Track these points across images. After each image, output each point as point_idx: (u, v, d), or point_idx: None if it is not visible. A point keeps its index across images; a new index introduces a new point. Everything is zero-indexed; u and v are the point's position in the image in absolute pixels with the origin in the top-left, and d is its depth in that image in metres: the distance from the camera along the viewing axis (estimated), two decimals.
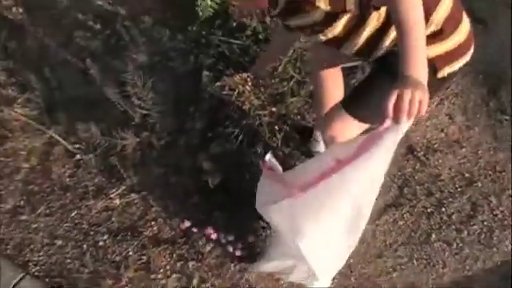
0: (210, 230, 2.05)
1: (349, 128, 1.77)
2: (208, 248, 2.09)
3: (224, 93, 2.30)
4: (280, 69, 2.41)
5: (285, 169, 1.85)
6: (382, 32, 1.59)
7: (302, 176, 1.73)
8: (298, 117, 2.42)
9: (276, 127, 2.31)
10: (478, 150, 2.46)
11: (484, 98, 2.62)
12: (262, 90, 2.35)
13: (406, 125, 1.35)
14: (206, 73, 2.35)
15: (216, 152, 2.21)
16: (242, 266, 2.07)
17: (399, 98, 1.29)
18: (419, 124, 2.45)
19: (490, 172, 2.39)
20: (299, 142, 2.32)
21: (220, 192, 2.15)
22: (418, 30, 1.35)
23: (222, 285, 2.05)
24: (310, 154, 2.28)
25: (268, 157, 1.93)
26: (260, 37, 2.49)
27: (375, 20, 1.54)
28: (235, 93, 2.30)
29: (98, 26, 2.62)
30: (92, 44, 2.54)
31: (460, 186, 2.33)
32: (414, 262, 2.13)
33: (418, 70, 1.32)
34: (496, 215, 2.25)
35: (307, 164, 1.86)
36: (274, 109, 2.35)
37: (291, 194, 1.68)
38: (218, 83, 2.32)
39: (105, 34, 2.60)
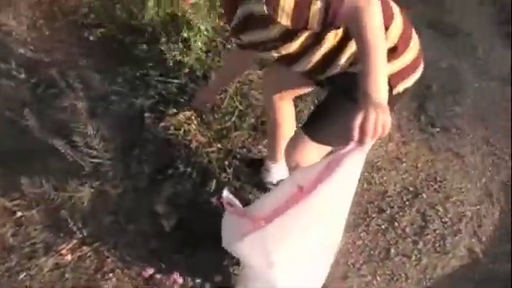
0: (174, 275, 1.96)
1: (311, 152, 1.78)
2: None
3: (169, 133, 2.26)
4: (223, 103, 2.42)
5: (241, 203, 1.84)
6: (337, 50, 1.63)
7: (266, 207, 1.71)
8: (244, 150, 2.43)
9: (226, 162, 2.29)
10: (417, 163, 2.57)
11: (415, 113, 2.76)
12: (207, 126, 2.35)
13: (369, 145, 1.40)
14: (147, 114, 2.31)
15: (168, 194, 2.14)
16: None
17: (364, 121, 1.33)
18: None
19: (431, 183, 2.50)
20: (250, 174, 2.32)
21: (178, 234, 2.07)
22: (380, 53, 1.40)
23: None
24: (262, 186, 2.28)
25: (225, 193, 1.92)
26: (197, 74, 2.50)
27: (332, 38, 1.58)
28: (181, 132, 2.27)
29: (24, 75, 2.48)
30: (25, 94, 2.43)
31: (407, 200, 2.41)
32: (378, 278, 2.16)
33: (380, 92, 1.37)
34: (445, 222, 2.34)
35: (270, 194, 1.83)
36: (219, 145, 2.35)
37: (257, 226, 1.67)
38: (162, 124, 2.28)
39: (34, 83, 2.49)
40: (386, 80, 1.39)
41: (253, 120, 2.49)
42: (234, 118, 2.43)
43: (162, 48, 2.49)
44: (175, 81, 2.48)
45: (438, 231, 2.30)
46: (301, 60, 1.70)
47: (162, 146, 2.25)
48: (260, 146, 2.47)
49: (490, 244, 2.29)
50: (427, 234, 2.29)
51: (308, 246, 1.67)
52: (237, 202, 1.92)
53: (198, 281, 1.98)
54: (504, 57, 3.28)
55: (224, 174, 2.27)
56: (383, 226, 2.30)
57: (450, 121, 2.79)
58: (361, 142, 1.37)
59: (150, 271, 1.99)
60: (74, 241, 2.09)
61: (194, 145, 2.27)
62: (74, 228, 2.08)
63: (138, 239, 2.10)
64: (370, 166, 2.49)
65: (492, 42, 3.39)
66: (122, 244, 2.10)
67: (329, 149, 1.82)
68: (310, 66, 1.69)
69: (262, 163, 2.30)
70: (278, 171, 2.26)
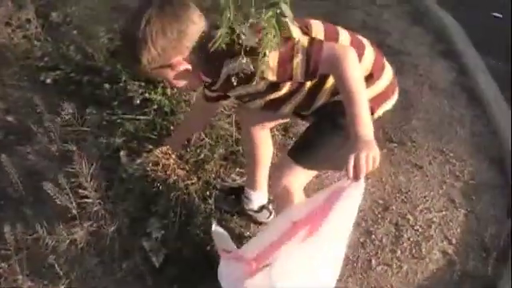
0: None
1: (298, 176, 1.87)
2: None
3: (148, 169, 2.28)
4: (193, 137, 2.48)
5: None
6: (319, 86, 1.75)
7: (260, 245, 1.79)
8: (219, 180, 2.49)
9: (207, 193, 2.34)
10: (381, 178, 2.71)
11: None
12: (184, 159, 2.39)
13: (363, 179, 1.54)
14: (122, 153, 2.32)
15: (154, 229, 2.16)
16: None
17: (357, 159, 1.47)
18: None
19: (398, 194, 2.64)
20: (231, 203, 2.37)
21: (169, 269, 2.09)
22: (363, 95, 1.56)
23: None
24: (244, 213, 2.35)
25: (214, 227, 1.98)
26: (165, 110, 2.54)
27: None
28: (159, 167, 2.30)
29: None
30: None
31: (379, 212, 2.53)
32: None
33: (367, 131, 1.52)
34: (417, 230, 2.47)
35: (263, 232, 1.91)
36: (196, 177, 2.39)
37: (256, 267, 1.73)
38: (139, 160, 2.30)
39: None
40: (370, 118, 1.54)
41: (221, 150, 2.56)
42: (204, 151, 2.49)
43: (127, 86, 2.53)
44: (143, 117, 2.52)
45: (411, 239, 2.41)
46: (286, 103, 1.81)
47: (142, 182, 2.26)
48: (233, 175, 2.55)
49: (461, 245, 2.43)
50: (403, 243, 2.39)
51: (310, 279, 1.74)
52: (225, 233, 1.99)
53: None
54: (443, 71, 3.56)
55: (205, 205, 2.31)
56: (361, 240, 2.40)
57: (405, 135, 2.97)
58: (356, 178, 1.50)
59: None
60: (62, 287, 2.07)
61: (173, 178, 2.29)
62: (61, 273, 2.06)
63: (128, 278, 2.10)
64: None
65: (431, 59, 3.66)
66: (112, 285, 2.10)
67: (314, 173, 1.92)
68: (295, 106, 1.81)
69: (241, 191, 2.37)
70: (258, 198, 2.34)
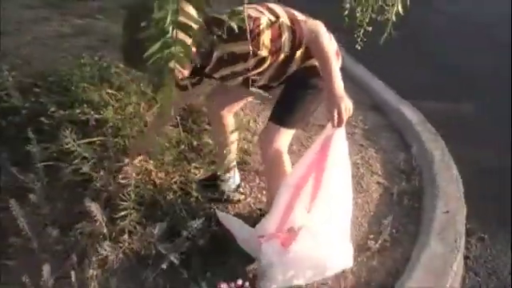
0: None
1: (284, 137, 2.19)
2: None
3: (132, 181, 2.35)
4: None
5: None
6: (291, 57, 2.09)
7: (273, 220, 2.12)
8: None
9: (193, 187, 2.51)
10: None
11: None
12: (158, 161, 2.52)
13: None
14: (102, 174, 2.37)
15: (163, 232, 2.26)
16: None
17: (338, 111, 1.94)
18: None
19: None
20: (211, 190, 2.57)
21: (190, 262, 2.20)
22: (334, 62, 2.00)
23: None
24: (226, 196, 2.58)
25: (219, 214, 2.24)
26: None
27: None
28: (141, 175, 2.40)
29: None
30: None
31: None
32: None
33: (341, 88, 1.98)
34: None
35: (272, 210, 2.16)
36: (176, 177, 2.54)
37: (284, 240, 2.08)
38: (121, 176, 2.37)
39: None
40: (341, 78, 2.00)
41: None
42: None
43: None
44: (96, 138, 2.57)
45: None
46: (264, 75, 2.12)
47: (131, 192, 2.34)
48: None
49: (386, 174, 2.99)
50: None
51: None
52: (231, 217, 2.25)
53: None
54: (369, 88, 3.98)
55: (193, 198, 2.48)
56: None
57: None
58: (339, 125, 1.97)
59: None
60: None
61: (157, 182, 2.42)
62: None
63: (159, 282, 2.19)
64: None
65: None
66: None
67: (294, 131, 2.26)
68: (269, 78, 2.13)
69: (215, 177, 2.59)
70: (231, 177, 2.59)
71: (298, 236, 2.05)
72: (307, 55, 2.10)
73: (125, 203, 2.06)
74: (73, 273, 2.02)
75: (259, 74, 2.10)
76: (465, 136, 3.40)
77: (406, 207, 2.75)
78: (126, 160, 2.41)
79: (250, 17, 1.83)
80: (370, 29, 2.18)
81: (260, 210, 2.56)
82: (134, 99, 2.74)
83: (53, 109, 2.65)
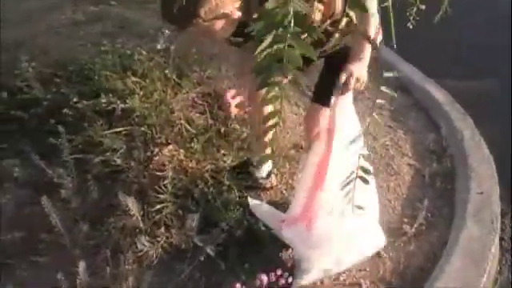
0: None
1: (325, 117, 2.13)
2: None
3: (169, 173, 2.30)
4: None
5: None
6: (335, 27, 1.92)
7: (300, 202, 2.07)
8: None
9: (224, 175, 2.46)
10: None
11: None
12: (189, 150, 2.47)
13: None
14: (133, 164, 2.32)
15: (198, 223, 2.22)
16: None
17: (349, 75, 1.91)
18: None
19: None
20: (243, 177, 2.51)
21: (225, 253, 2.18)
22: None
23: None
24: (259, 183, 2.53)
25: (251, 203, 2.19)
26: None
27: None
28: (172, 164, 2.35)
29: None
30: None
31: None
32: None
33: (365, 63, 1.92)
34: (381, 155, 2.92)
35: (297, 191, 2.16)
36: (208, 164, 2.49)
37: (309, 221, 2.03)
38: (152, 166, 2.32)
39: None
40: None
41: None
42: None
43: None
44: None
45: (381, 162, 2.86)
46: None
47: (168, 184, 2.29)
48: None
49: (417, 155, 2.94)
50: (378, 167, 2.82)
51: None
52: (264, 204, 2.20)
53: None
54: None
55: (225, 187, 2.43)
56: None
57: None
58: (343, 92, 1.95)
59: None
60: None
61: (190, 171, 2.37)
62: None
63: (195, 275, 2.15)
64: None
65: None
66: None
67: None
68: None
69: (248, 163, 2.53)
70: (266, 164, 2.53)
71: (318, 216, 2.02)
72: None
73: (161, 196, 2.01)
74: (107, 268, 1.99)
75: None
76: (492, 113, 3.33)
77: (438, 189, 2.69)
78: (156, 149, 2.36)
79: None
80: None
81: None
82: (159, 86, 2.67)
83: (75, 99, 2.59)
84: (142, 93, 2.61)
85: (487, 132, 3.05)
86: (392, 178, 2.77)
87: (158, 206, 2.04)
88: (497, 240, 2.39)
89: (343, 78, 1.90)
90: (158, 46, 2.70)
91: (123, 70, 2.73)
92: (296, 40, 0.77)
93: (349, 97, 2.02)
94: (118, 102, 2.49)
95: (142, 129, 2.52)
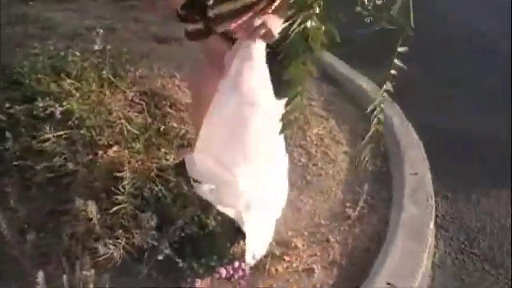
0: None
1: None
2: None
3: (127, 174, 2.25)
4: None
5: None
6: None
7: None
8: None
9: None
10: None
11: None
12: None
13: None
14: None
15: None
16: None
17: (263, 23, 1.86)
18: None
19: None
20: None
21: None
22: None
23: None
24: None
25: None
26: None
27: None
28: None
29: None
30: None
31: None
32: None
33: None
34: (316, 144, 3.01)
35: None
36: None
37: None
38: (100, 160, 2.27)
39: None
40: None
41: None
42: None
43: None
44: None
45: (318, 150, 2.96)
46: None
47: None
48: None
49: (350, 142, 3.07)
50: (315, 156, 2.93)
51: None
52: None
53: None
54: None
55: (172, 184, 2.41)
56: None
57: None
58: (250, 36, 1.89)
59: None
60: None
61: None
62: None
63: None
64: None
65: None
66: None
67: None
68: None
69: None
70: None
71: None
72: None
73: (118, 197, 1.98)
74: (64, 276, 1.94)
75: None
76: (416, 99, 3.52)
77: (375, 173, 2.83)
78: (100, 152, 2.32)
79: None
80: None
81: None
82: (95, 87, 2.62)
83: (7, 105, 2.49)
84: (78, 95, 2.54)
85: (413, 118, 3.26)
86: (330, 165, 2.88)
87: (115, 208, 2.00)
88: (433, 217, 2.55)
89: (258, 21, 1.86)
90: (96, 47, 2.65)
91: (56, 72, 2.65)
92: (321, 20, 0.82)
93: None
94: (57, 105, 2.41)
95: (82, 131, 2.47)
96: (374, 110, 1.43)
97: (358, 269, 2.27)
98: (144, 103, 2.71)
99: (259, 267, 2.19)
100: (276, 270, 2.22)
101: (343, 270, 2.26)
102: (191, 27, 1.98)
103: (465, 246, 2.56)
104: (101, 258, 1.96)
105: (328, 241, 2.40)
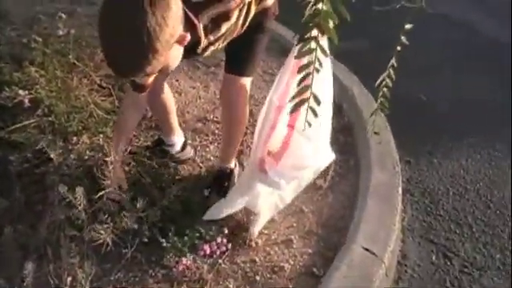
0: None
1: (245, 87, 2.22)
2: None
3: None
4: None
5: None
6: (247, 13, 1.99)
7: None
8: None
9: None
10: None
11: None
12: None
13: None
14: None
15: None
16: None
17: None
18: None
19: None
20: (159, 155, 2.54)
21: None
22: None
23: None
24: (176, 158, 2.58)
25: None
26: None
27: None
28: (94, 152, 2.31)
29: None
30: None
31: None
32: None
33: None
34: None
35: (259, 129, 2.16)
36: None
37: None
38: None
39: None
40: None
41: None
42: None
43: None
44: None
45: None
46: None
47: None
48: None
49: None
50: None
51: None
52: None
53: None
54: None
55: (146, 166, 2.44)
56: None
57: None
58: None
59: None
60: None
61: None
62: None
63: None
64: None
65: None
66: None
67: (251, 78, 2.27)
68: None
69: (160, 142, 2.57)
70: (178, 139, 2.60)
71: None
72: None
73: (103, 182, 1.98)
74: (51, 266, 1.95)
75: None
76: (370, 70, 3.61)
77: (342, 143, 2.91)
78: (75, 138, 2.30)
79: None
80: None
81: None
82: (60, 73, 2.58)
83: None
84: (44, 82, 2.50)
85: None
86: None
87: (100, 193, 2.01)
88: (400, 181, 2.67)
89: None
90: (60, 32, 2.60)
91: (17, 60, 2.60)
92: (331, 1, 0.89)
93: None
94: (26, 92, 2.37)
95: (50, 119, 2.44)
96: (380, 84, 1.48)
97: (334, 236, 2.36)
98: (110, 86, 2.69)
99: (240, 242, 2.27)
100: (256, 243, 2.28)
101: (320, 238, 2.35)
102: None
103: (430, 209, 2.71)
104: (75, 245, 1.95)
105: (302, 211, 2.47)
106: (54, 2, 3.50)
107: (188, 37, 1.64)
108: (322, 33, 1.00)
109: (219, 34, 1.89)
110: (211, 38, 1.87)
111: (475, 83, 3.82)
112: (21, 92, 2.35)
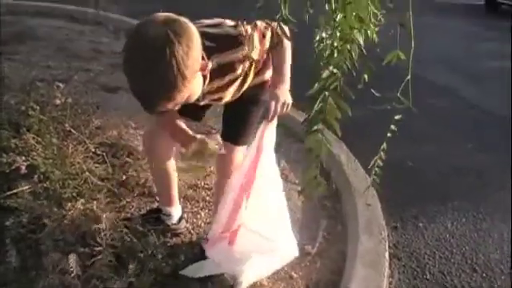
0: None
1: (239, 155, 2.31)
2: None
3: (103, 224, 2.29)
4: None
5: None
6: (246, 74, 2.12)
7: (221, 221, 2.21)
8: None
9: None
10: None
11: None
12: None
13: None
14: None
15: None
16: None
17: (276, 102, 2.04)
18: None
19: None
20: (153, 224, 2.56)
21: None
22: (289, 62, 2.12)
23: None
24: (172, 230, 2.61)
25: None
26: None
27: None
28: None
29: None
30: None
31: None
32: None
33: (287, 87, 2.10)
34: None
35: (219, 211, 2.27)
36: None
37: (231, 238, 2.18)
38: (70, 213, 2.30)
39: None
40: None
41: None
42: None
43: None
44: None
45: None
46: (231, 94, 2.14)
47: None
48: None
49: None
50: None
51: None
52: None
53: None
54: None
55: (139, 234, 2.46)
56: None
57: None
58: (271, 119, 2.07)
59: None
60: None
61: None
62: None
63: None
64: None
65: None
66: None
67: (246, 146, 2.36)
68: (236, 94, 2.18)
69: (157, 211, 2.61)
70: (176, 211, 2.63)
71: (239, 232, 2.17)
72: (258, 70, 2.16)
73: (96, 248, 2.02)
74: None
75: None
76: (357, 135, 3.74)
77: (329, 209, 2.99)
78: (69, 204, 2.35)
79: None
80: None
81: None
82: (56, 140, 2.65)
83: None
84: (40, 149, 2.57)
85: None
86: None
87: (94, 259, 2.04)
88: (387, 248, 2.72)
89: (272, 104, 2.02)
90: (57, 101, 2.69)
91: (15, 126, 2.67)
92: (336, 99, 0.97)
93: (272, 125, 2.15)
94: (23, 159, 2.43)
95: (45, 185, 2.50)
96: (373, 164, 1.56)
97: None
98: (104, 154, 2.76)
99: None
100: None
101: None
102: None
103: (417, 273, 2.75)
104: None
105: (291, 277, 2.51)
106: (50, 68, 3.61)
107: (209, 64, 1.80)
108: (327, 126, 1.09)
109: (222, 83, 2.01)
110: (215, 84, 1.99)
111: (458, 149, 3.95)
112: (18, 158, 2.41)
